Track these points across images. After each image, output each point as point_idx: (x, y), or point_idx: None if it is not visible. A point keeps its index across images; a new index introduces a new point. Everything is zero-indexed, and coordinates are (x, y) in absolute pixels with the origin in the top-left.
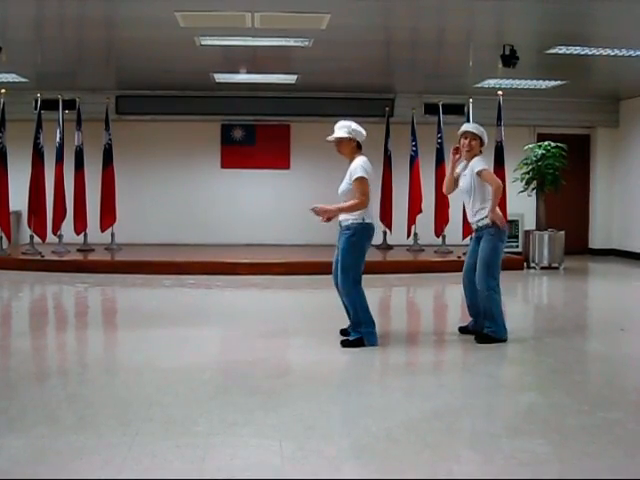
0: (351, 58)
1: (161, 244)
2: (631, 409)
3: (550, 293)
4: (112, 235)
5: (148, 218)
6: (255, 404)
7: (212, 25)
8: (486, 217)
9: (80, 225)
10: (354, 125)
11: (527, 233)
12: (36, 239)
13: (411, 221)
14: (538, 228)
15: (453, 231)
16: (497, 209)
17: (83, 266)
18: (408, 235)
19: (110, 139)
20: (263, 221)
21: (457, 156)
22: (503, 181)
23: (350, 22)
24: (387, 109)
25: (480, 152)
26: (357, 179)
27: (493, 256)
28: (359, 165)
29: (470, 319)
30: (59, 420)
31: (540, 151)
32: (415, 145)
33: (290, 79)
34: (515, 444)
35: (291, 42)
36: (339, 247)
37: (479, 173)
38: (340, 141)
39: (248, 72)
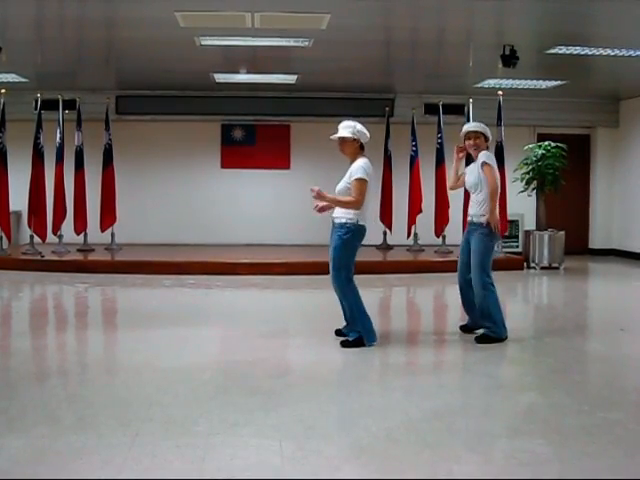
0: (351, 58)
1: (161, 244)
2: (631, 409)
3: (550, 293)
4: (112, 235)
5: (148, 218)
6: (255, 404)
7: (212, 25)
8: (484, 215)
9: (80, 225)
10: (359, 126)
11: (527, 233)
12: (36, 239)
13: (411, 221)
14: (538, 228)
15: (453, 231)
16: (496, 213)
17: (83, 266)
18: (408, 235)
19: (110, 139)
20: (263, 221)
21: (461, 154)
22: (503, 181)
23: (350, 22)
24: (387, 109)
25: (487, 147)
26: (357, 179)
27: (486, 255)
28: (360, 166)
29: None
30: (59, 420)
31: (540, 151)
32: (415, 145)
33: (290, 79)
34: (515, 444)
35: (291, 42)
36: (331, 246)
37: (482, 164)
38: (344, 141)
39: (248, 72)
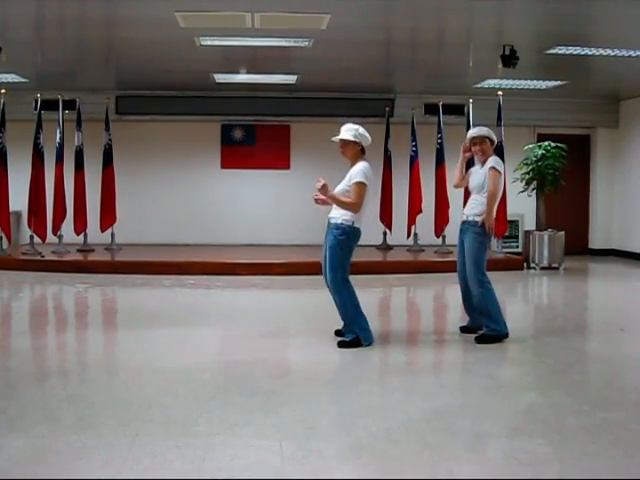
0: (351, 58)
1: (161, 244)
2: (631, 409)
3: (550, 293)
4: (112, 235)
5: (148, 218)
6: (255, 404)
7: (212, 25)
8: (479, 215)
9: (80, 225)
10: (361, 130)
11: (527, 233)
12: (36, 239)
13: (411, 221)
14: (538, 228)
15: (453, 231)
16: (492, 215)
17: (83, 266)
18: (408, 235)
19: (110, 139)
20: (263, 221)
21: (467, 154)
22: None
23: (350, 22)
24: (387, 109)
25: (493, 151)
26: (357, 183)
27: (479, 253)
28: (361, 170)
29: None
30: (59, 420)
31: (540, 151)
32: (415, 145)
33: (290, 79)
34: (515, 444)
35: (291, 42)
36: (326, 245)
37: (489, 169)
38: (345, 143)
39: (248, 72)
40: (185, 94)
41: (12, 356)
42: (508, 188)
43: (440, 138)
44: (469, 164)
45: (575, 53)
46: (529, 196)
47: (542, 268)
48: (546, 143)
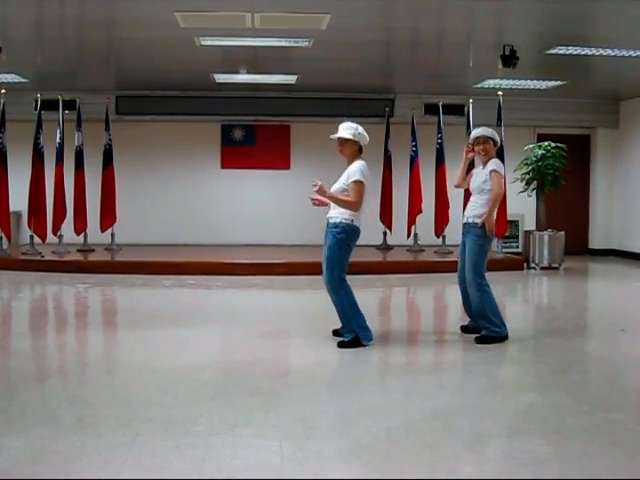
0: (351, 58)
1: (161, 244)
2: (631, 409)
3: (550, 293)
4: (112, 235)
5: (148, 218)
6: (255, 404)
7: (212, 25)
8: (479, 217)
9: (80, 225)
10: (360, 129)
11: (527, 233)
12: (36, 239)
13: (411, 221)
14: (538, 228)
15: (453, 231)
16: (493, 216)
17: (83, 266)
18: (408, 235)
19: (110, 139)
20: (263, 221)
21: (470, 155)
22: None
23: (350, 22)
24: (387, 109)
25: (495, 153)
26: (355, 182)
27: (479, 256)
28: (358, 169)
29: (468, 318)
30: (59, 420)
31: (540, 151)
32: (415, 145)
33: (290, 79)
34: (515, 444)
35: (291, 42)
36: (325, 243)
37: (491, 172)
38: (344, 141)
39: (248, 72)
40: (185, 94)
41: (12, 356)
42: (508, 188)
43: (440, 138)
44: (471, 166)
45: (575, 53)
46: (529, 196)
47: (542, 268)
48: (546, 143)
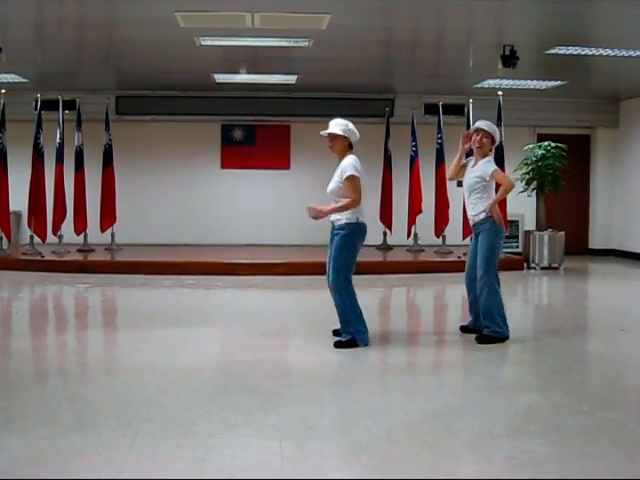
0: (351, 58)
1: (161, 244)
2: (631, 409)
3: (550, 293)
4: (112, 235)
5: (148, 218)
6: (255, 404)
7: (212, 25)
8: (483, 211)
9: (80, 225)
10: (350, 125)
11: (527, 233)
12: (36, 239)
13: (411, 221)
14: (538, 228)
15: (453, 231)
16: (496, 206)
17: (83, 266)
18: (408, 235)
19: (110, 139)
20: (263, 221)
21: (466, 145)
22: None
23: (350, 22)
24: (387, 109)
25: (490, 151)
26: (348, 178)
27: (490, 253)
28: (350, 164)
29: (470, 318)
30: (59, 420)
31: (540, 151)
32: (415, 145)
33: (290, 79)
34: (515, 444)
35: (291, 42)
36: (332, 246)
37: (492, 175)
38: (334, 137)
39: (248, 72)
40: (185, 94)
41: (12, 356)
42: None
43: (440, 138)
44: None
45: (575, 53)
46: (529, 196)
47: (542, 268)
48: (546, 143)
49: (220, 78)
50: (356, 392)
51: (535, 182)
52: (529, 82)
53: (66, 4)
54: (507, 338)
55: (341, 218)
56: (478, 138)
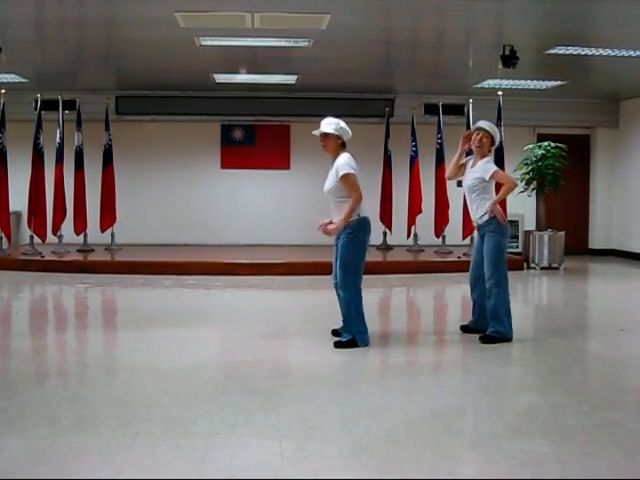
0: (351, 58)
1: (161, 244)
2: (631, 409)
3: (550, 293)
4: (112, 235)
5: (148, 218)
6: (255, 404)
7: (212, 26)
8: (486, 213)
9: (80, 225)
10: (342, 123)
11: (527, 233)
12: (36, 239)
13: (411, 221)
14: (538, 228)
15: (453, 231)
16: (498, 205)
17: (83, 266)
18: (408, 235)
19: (110, 139)
20: (263, 221)
21: (466, 146)
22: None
23: (350, 22)
24: (387, 109)
25: (489, 152)
26: (344, 177)
27: (497, 253)
28: (344, 162)
29: (470, 317)
30: (59, 420)
31: (540, 151)
32: (415, 145)
33: (290, 79)
34: (515, 444)
35: (291, 42)
36: (339, 246)
37: (492, 176)
38: (326, 136)
39: (248, 72)
40: (185, 94)
41: (12, 356)
42: None
43: (440, 138)
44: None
45: (575, 53)
46: (529, 196)
47: (542, 268)
48: (546, 143)
49: (220, 78)
50: (356, 392)
51: (535, 182)
52: (529, 82)
53: (66, 4)
54: (510, 339)
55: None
56: (478, 137)
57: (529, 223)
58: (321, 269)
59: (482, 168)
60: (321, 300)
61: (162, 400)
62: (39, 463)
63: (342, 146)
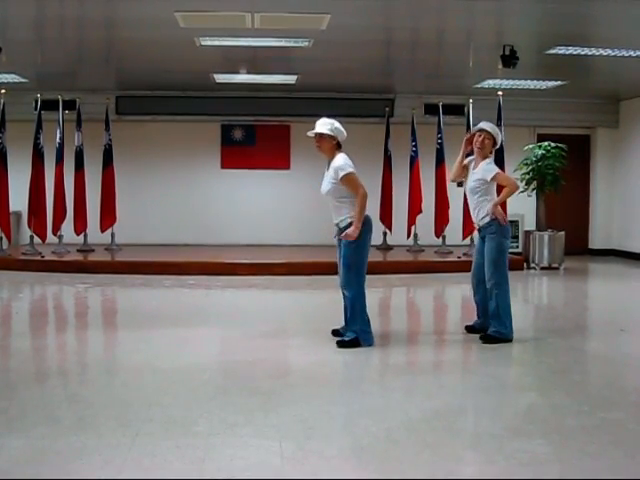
0: (351, 58)
1: (161, 244)
2: (631, 409)
3: (550, 293)
4: (112, 235)
5: (148, 218)
6: (255, 404)
7: (212, 25)
8: (487, 215)
9: (80, 225)
10: (337, 124)
11: (527, 233)
12: (36, 239)
13: (411, 221)
14: (538, 228)
15: (453, 231)
16: (499, 206)
17: (83, 266)
18: (408, 235)
19: (110, 139)
20: (263, 221)
21: (469, 147)
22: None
23: (350, 22)
24: (387, 109)
25: (490, 153)
26: (346, 177)
27: (498, 254)
28: (342, 162)
29: (475, 318)
30: (59, 420)
31: (540, 151)
32: (415, 145)
33: (290, 79)
34: (515, 444)
35: (291, 42)
36: (341, 246)
37: (494, 178)
38: (321, 137)
39: (248, 72)
40: (185, 94)
41: (12, 356)
42: None
43: (440, 138)
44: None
45: (575, 53)
46: (529, 196)
47: (542, 268)
48: (546, 143)
49: (220, 78)
50: (356, 392)
51: (535, 182)
52: (529, 82)
53: (66, 4)
54: (511, 339)
55: (344, 218)
56: (480, 139)
57: (529, 223)
58: (321, 269)
59: (483, 169)
60: (321, 300)
61: (162, 400)
62: (39, 463)
63: (337, 147)
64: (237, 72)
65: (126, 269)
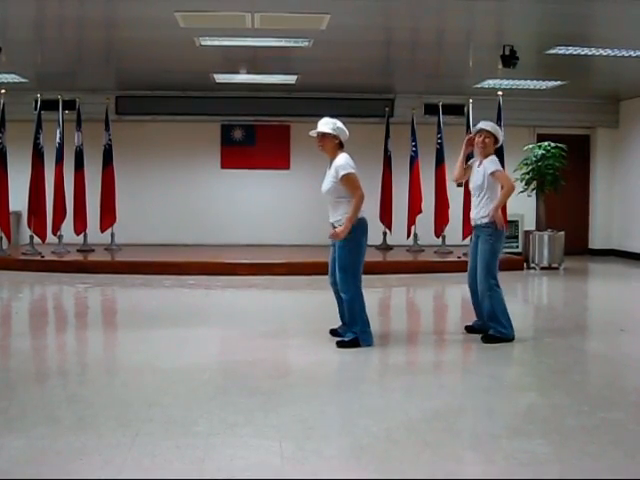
0: (351, 58)
1: (161, 244)
2: (631, 409)
3: (550, 293)
4: (112, 235)
5: (148, 218)
6: (255, 404)
7: (212, 26)
8: (487, 216)
9: (80, 225)
10: (339, 123)
11: (527, 233)
12: (36, 239)
13: (411, 221)
14: (538, 228)
15: (453, 231)
16: (499, 210)
17: (83, 266)
18: (408, 235)
19: (110, 139)
20: (263, 221)
21: (470, 148)
22: None
23: (350, 22)
24: (387, 109)
25: (494, 151)
26: (345, 177)
27: (491, 256)
28: (344, 162)
29: (474, 318)
30: (59, 420)
31: (540, 151)
32: (415, 145)
33: (290, 79)
34: (515, 444)
35: (291, 42)
36: (336, 246)
37: (493, 174)
38: (323, 136)
39: (248, 72)
40: (185, 94)
41: (12, 356)
42: None
43: (440, 138)
44: (468, 160)
45: (575, 53)
46: (529, 196)
47: (542, 268)
48: (546, 143)
49: (220, 78)
50: (356, 392)
51: (535, 182)
52: (529, 82)
53: (66, 4)
54: (512, 339)
55: (341, 219)
56: (481, 139)
57: (529, 223)
58: (321, 269)
59: (485, 166)
60: (321, 300)
61: (162, 400)
62: (39, 463)
63: (340, 146)
64: (237, 72)
65: (126, 269)
